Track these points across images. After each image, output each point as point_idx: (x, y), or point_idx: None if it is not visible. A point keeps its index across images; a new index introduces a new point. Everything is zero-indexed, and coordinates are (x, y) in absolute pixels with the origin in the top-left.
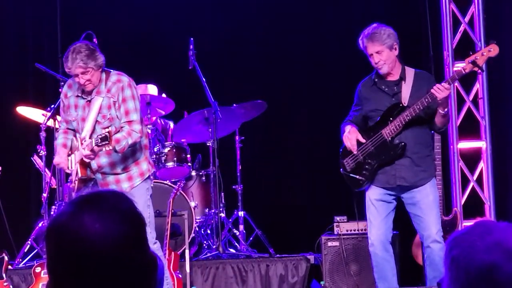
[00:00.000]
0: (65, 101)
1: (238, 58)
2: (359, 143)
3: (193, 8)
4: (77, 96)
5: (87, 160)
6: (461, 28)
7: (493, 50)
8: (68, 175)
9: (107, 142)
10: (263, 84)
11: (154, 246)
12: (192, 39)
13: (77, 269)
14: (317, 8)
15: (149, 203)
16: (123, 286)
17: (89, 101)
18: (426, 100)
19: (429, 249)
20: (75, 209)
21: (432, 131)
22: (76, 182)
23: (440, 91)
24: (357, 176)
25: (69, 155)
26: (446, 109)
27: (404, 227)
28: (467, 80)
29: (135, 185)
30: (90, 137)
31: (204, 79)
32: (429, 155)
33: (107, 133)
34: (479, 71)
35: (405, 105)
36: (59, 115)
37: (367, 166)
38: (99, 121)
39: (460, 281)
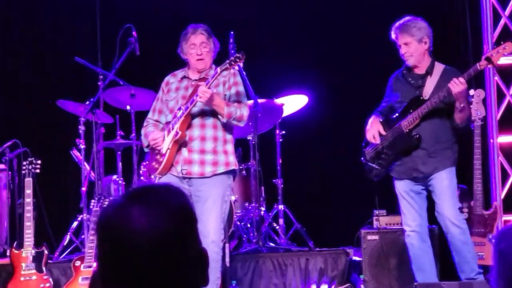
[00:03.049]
0: (165, 88)
1: (280, 51)
2: (380, 134)
3: (232, 1)
4: (182, 78)
5: (205, 99)
6: (502, 22)
7: (508, 48)
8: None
9: (238, 60)
10: (304, 78)
11: (221, 244)
12: (232, 32)
13: (123, 261)
14: (357, 1)
15: (227, 199)
16: (169, 280)
17: (196, 80)
18: (442, 94)
19: (449, 235)
20: (124, 201)
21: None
22: (171, 144)
23: (455, 85)
24: (373, 165)
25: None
26: (462, 105)
27: None
28: (507, 74)
29: (218, 172)
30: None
31: (244, 73)
32: (448, 148)
33: (238, 54)
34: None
35: (426, 98)
36: (99, 109)
37: (383, 156)
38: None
39: (507, 275)
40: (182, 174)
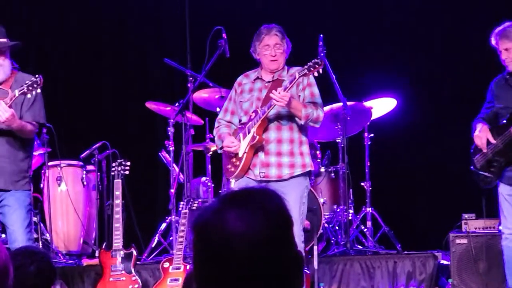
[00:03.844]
0: (238, 89)
1: (369, 54)
2: (489, 142)
3: (320, 4)
4: (255, 79)
5: (283, 103)
6: None
7: None
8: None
9: (317, 66)
10: (393, 81)
11: (302, 245)
12: (321, 35)
13: (219, 265)
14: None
15: (305, 201)
16: (266, 283)
17: (269, 82)
18: None
19: None
20: (220, 205)
21: None
22: (248, 148)
23: None
24: (486, 173)
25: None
26: None
27: None
28: None
29: (295, 174)
30: None
31: (334, 76)
32: None
33: (316, 59)
34: None
35: None
36: (188, 111)
37: (495, 164)
38: None
39: None
40: (260, 177)
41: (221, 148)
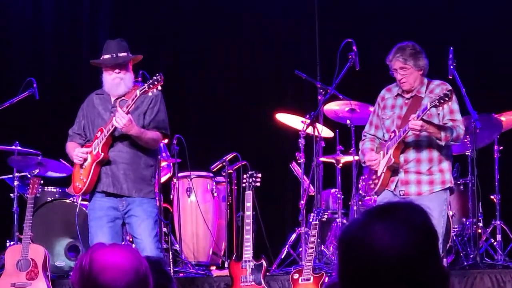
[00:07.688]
0: (381, 104)
1: (499, 65)
2: None
3: (451, 15)
4: (396, 96)
5: (416, 131)
6: None
7: None
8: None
9: (447, 99)
10: None
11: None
12: (451, 48)
13: (364, 278)
14: None
15: (444, 214)
16: None
17: (408, 99)
18: None
19: None
20: (367, 219)
21: None
22: (384, 172)
23: None
24: None
25: None
26: None
27: None
28: None
29: (434, 190)
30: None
31: (464, 89)
32: None
33: (447, 92)
34: None
35: None
36: (319, 122)
37: None
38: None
39: None
40: (400, 195)
41: (364, 162)
